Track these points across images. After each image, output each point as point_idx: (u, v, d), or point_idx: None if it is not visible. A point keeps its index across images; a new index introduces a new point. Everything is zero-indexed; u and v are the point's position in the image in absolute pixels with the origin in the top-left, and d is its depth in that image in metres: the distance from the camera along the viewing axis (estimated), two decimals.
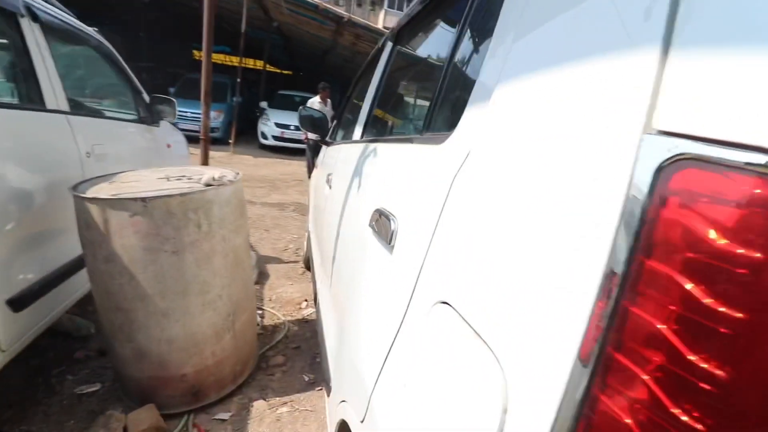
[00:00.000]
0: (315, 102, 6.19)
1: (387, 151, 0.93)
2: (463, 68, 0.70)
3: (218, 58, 18.34)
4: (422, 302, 0.53)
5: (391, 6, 22.71)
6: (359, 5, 23.23)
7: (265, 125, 9.20)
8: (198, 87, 9.85)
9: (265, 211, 4.57)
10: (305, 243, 3.17)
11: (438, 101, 0.74)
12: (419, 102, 1.08)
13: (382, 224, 0.75)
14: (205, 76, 2.55)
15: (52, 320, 1.63)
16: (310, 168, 6.47)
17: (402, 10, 23.29)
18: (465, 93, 0.61)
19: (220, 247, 1.47)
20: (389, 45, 1.34)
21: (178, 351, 1.44)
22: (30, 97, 1.60)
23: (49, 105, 1.65)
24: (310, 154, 6.40)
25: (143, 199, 1.26)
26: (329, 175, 1.67)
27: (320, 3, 6.89)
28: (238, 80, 8.09)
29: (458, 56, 0.72)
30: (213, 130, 8.86)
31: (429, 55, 0.97)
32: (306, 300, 2.53)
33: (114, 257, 1.30)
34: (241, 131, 9.23)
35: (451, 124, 0.62)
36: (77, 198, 1.31)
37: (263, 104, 9.79)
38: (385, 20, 21.53)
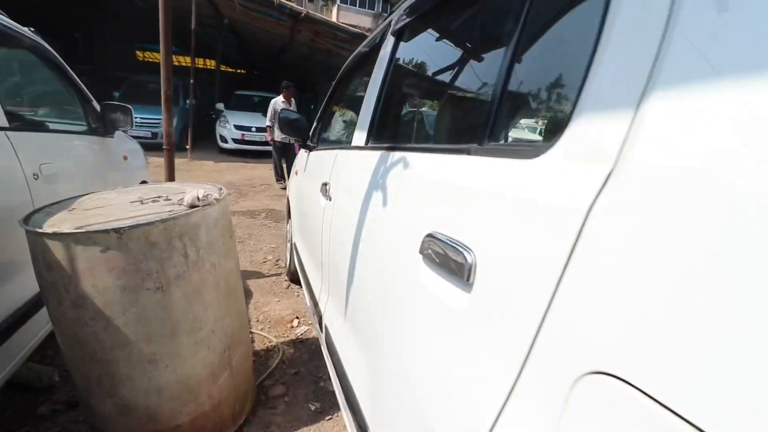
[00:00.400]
0: (278, 102, 5.93)
1: (424, 162, 0.80)
2: (544, 59, 0.58)
3: None
4: (554, 370, 0.41)
5: (344, 2, 22.34)
6: (311, 0, 22.67)
7: (224, 128, 8.73)
8: (145, 90, 9.26)
9: (237, 220, 4.29)
10: (287, 254, 2.98)
11: (501, 104, 0.62)
12: (460, 104, 0.95)
13: (443, 254, 0.62)
14: (165, 78, 2.29)
15: (9, 375, 1.38)
16: (278, 171, 6.20)
17: (356, 6, 23.07)
18: (558, 92, 0.50)
19: (210, 276, 1.28)
20: (390, 40, 1.20)
21: (169, 400, 1.25)
22: None
23: None
24: (276, 156, 6.15)
25: (117, 231, 1.06)
26: (325, 185, 1.52)
27: None
28: (192, 81, 7.60)
29: (528, 45, 0.59)
30: None
31: (471, 46, 0.84)
32: (297, 317, 2.36)
33: (85, 301, 1.09)
34: (197, 135, 8.70)
35: (541, 132, 0.51)
36: (32, 234, 1.08)
37: (220, 106, 9.29)
38: (338, 16, 21.16)
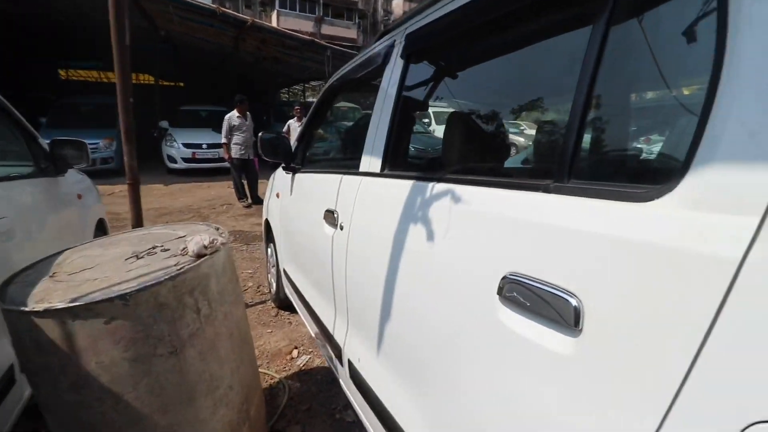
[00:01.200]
0: (233, 117, 5.67)
1: (481, 198, 0.76)
2: (631, 91, 0.56)
3: (91, 75, 16.02)
4: (707, 423, 0.41)
5: (283, 6, 21.88)
6: (248, 6, 21.98)
7: (172, 147, 8.20)
8: (77, 113, 8.46)
9: None
10: (270, 279, 2.84)
11: (580, 139, 0.60)
12: (515, 135, 0.92)
13: (537, 298, 0.60)
14: (123, 107, 2.09)
15: None
16: (239, 190, 5.92)
17: (296, 11, 22.70)
18: (659, 131, 0.49)
19: (223, 327, 1.17)
20: (399, 62, 1.16)
21: None
22: None
23: None
24: (236, 174, 5.87)
25: (123, 297, 0.93)
26: (330, 212, 1.44)
27: (218, 8, 6.28)
28: (131, 100, 7.04)
29: (614, 68, 0.57)
30: (106, 161, 7.68)
31: (518, 70, 0.81)
32: (296, 347, 2.24)
33: (88, 381, 0.95)
34: (140, 157, 8.05)
35: (648, 169, 0.49)
36: (16, 314, 0.92)
37: (164, 124, 8.73)
38: (279, 21, 20.69)
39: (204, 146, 8.15)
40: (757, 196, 0.40)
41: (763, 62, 0.41)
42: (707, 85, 0.44)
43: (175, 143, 8.17)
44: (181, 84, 16.87)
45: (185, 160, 8.15)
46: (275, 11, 21.57)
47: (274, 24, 18.96)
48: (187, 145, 8.13)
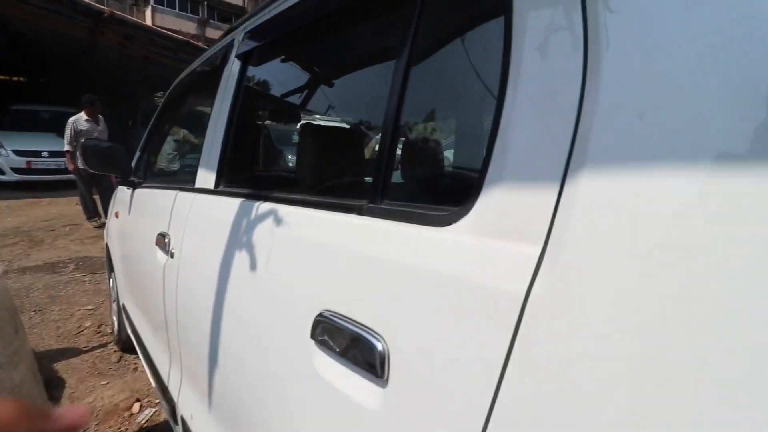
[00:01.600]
0: (80, 120, 4.77)
1: (301, 219, 0.65)
2: (435, 107, 0.51)
3: None
4: None
5: (159, 3, 19.85)
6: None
7: None
8: None
9: (30, 280, 3.21)
10: (114, 317, 2.35)
11: (392, 155, 0.52)
12: (341, 149, 0.82)
13: (346, 343, 0.50)
14: None
15: None
16: (88, 207, 4.99)
17: (175, 9, 20.80)
18: (459, 151, 0.43)
19: None
20: (236, 63, 1.00)
21: None
22: None
23: None
24: (84, 187, 4.93)
25: None
26: (163, 236, 1.20)
27: None
28: None
29: (420, 87, 0.52)
30: None
31: (345, 81, 0.72)
32: (138, 400, 1.85)
33: None
34: None
35: (443, 192, 0.43)
36: None
37: None
38: (154, 18, 18.67)
39: (44, 154, 6.72)
40: (540, 221, 0.36)
41: (542, 85, 0.38)
42: (495, 105, 0.40)
43: (2, 150, 6.57)
44: (22, 79, 13.91)
45: (17, 171, 6.59)
46: (149, 7, 19.45)
47: (148, 21, 17.00)
48: (19, 153, 6.60)
